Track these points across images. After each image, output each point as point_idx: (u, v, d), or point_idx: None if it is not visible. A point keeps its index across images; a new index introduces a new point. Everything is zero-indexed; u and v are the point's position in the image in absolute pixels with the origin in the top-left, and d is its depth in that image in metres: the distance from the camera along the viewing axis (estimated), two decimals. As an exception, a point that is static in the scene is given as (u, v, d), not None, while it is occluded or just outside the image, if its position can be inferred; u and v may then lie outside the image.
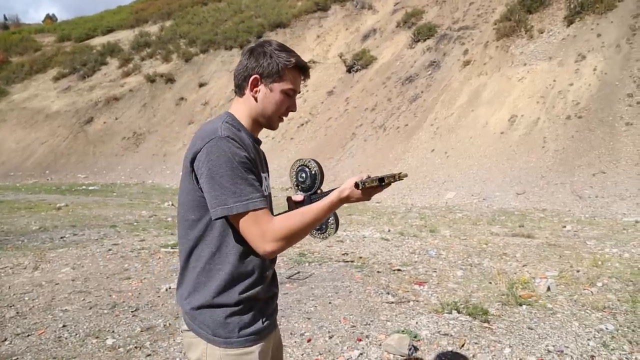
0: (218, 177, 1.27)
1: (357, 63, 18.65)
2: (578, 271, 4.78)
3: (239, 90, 1.45)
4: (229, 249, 1.37)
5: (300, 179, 1.54)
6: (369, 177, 1.34)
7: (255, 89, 1.42)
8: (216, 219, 1.30)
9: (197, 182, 1.32)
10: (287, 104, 1.45)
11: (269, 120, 1.46)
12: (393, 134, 14.57)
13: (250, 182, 1.29)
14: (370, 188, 1.34)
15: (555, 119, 11.55)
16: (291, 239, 1.31)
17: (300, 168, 1.55)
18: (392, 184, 1.36)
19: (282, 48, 1.42)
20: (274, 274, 1.53)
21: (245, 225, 1.29)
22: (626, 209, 8.61)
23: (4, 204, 11.79)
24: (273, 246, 1.29)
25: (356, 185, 1.33)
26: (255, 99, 1.42)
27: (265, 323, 1.42)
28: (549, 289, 4.18)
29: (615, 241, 6.23)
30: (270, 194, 1.51)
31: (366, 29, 20.80)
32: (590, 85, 11.70)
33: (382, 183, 1.33)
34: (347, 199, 1.35)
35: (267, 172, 1.54)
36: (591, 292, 4.09)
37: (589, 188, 9.60)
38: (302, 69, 1.44)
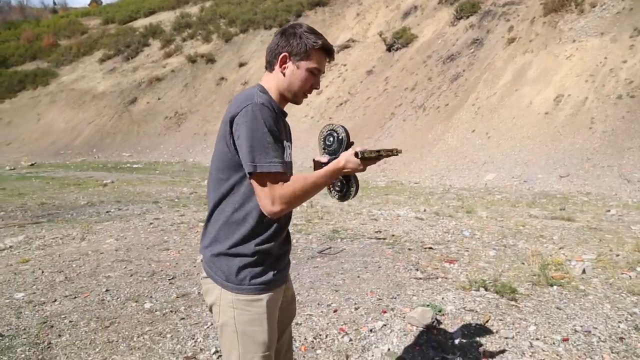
0: (251, 138, 1.41)
1: (397, 42, 18.29)
2: (617, 255, 4.62)
3: (270, 66, 1.60)
4: (251, 208, 1.51)
5: (327, 143, 1.65)
6: (367, 149, 1.48)
7: (284, 66, 1.56)
8: (251, 175, 1.43)
9: (233, 143, 1.46)
10: (312, 81, 1.59)
11: (295, 95, 1.60)
12: (433, 114, 14.30)
13: (275, 148, 1.44)
14: (367, 159, 1.48)
15: (605, 98, 10.99)
16: (293, 202, 1.46)
17: (328, 132, 1.65)
18: (389, 157, 1.51)
19: (311, 31, 1.56)
20: (288, 233, 1.67)
21: (261, 185, 1.44)
22: (677, 193, 8.18)
23: (55, 181, 12.47)
24: (278, 208, 1.44)
25: (356, 154, 1.47)
26: (284, 74, 1.56)
27: (276, 276, 1.56)
28: (584, 271, 4.08)
29: (662, 226, 5.96)
30: (291, 161, 1.63)
31: (407, 6, 20.30)
32: (645, 62, 11.03)
33: (379, 155, 1.48)
34: (343, 168, 1.50)
35: (290, 141, 1.65)
36: (629, 276, 3.95)
37: (638, 171, 9.16)
38: (327, 51, 1.58)
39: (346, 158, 1.49)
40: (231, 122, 1.46)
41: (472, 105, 13.43)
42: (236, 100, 1.50)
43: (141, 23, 30.89)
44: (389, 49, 18.43)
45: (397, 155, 1.50)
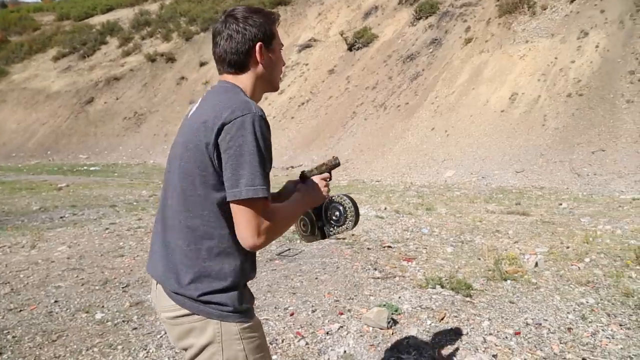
0: (246, 156, 1.21)
1: (359, 41, 18.43)
2: (568, 247, 4.80)
3: (239, 65, 1.38)
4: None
5: (334, 218, 1.53)
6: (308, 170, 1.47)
7: (262, 57, 1.38)
8: (236, 200, 1.23)
9: (218, 155, 1.24)
10: (282, 58, 1.47)
11: (276, 82, 1.47)
12: (394, 113, 14.49)
13: (266, 169, 1.26)
14: (310, 176, 1.46)
15: (556, 96, 11.44)
16: (276, 234, 1.32)
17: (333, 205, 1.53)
18: (334, 169, 1.50)
19: (254, 10, 1.40)
20: None
21: (243, 213, 1.24)
22: (624, 186, 8.59)
23: (5, 185, 11.89)
24: (261, 240, 1.26)
25: (300, 175, 1.46)
26: (263, 66, 1.39)
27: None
28: (536, 264, 4.21)
29: (609, 218, 6.24)
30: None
31: (368, 6, 20.48)
32: (592, 62, 11.55)
33: (321, 170, 1.47)
34: (303, 197, 1.44)
35: None
36: (578, 267, 4.12)
37: (587, 166, 9.57)
38: (277, 20, 1.45)
39: (306, 188, 1.45)
40: (219, 130, 1.22)
41: (431, 103, 13.69)
42: (222, 104, 1.27)
43: (98, 20, 29.86)
44: (350, 49, 18.55)
45: (338, 165, 1.49)
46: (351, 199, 1.49)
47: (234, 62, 1.37)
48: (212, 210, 1.29)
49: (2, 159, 20.26)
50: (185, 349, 1.36)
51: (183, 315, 1.32)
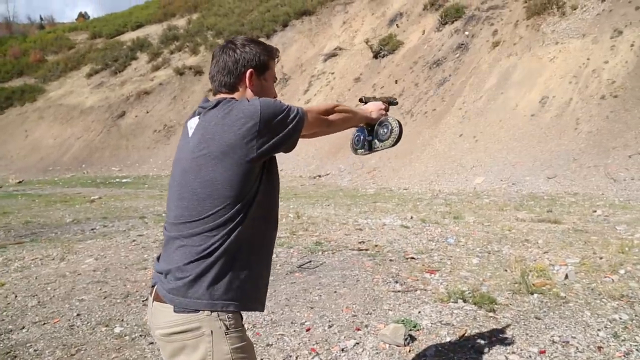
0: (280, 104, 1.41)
1: (384, 48, 18.33)
2: (601, 258, 4.57)
3: (230, 87, 1.49)
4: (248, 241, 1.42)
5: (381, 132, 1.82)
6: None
7: (251, 83, 1.48)
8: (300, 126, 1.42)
9: (258, 135, 1.33)
10: (274, 90, 1.57)
11: None
12: (421, 119, 14.31)
13: None
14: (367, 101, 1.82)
15: (589, 99, 11.04)
16: (340, 116, 1.62)
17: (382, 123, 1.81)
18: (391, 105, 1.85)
19: (253, 40, 1.53)
20: None
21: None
22: (664, 191, 8.18)
23: (41, 198, 12.32)
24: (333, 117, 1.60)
25: (360, 99, 1.81)
26: (252, 91, 1.49)
27: None
28: (566, 276, 4.02)
29: (648, 226, 5.93)
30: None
31: (392, 13, 20.39)
32: (627, 62, 11.10)
33: (379, 100, 1.82)
34: (363, 109, 1.78)
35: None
36: (612, 279, 3.91)
37: (624, 170, 9.17)
38: (276, 56, 1.58)
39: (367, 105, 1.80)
40: (260, 124, 1.34)
41: (459, 109, 13.45)
42: (236, 109, 1.37)
43: (128, 37, 30.85)
44: (375, 56, 18.47)
45: (395, 103, 1.88)
46: (399, 123, 1.76)
47: (225, 83, 1.49)
48: (240, 210, 1.41)
49: (40, 173, 21.05)
50: None
51: (176, 333, 1.35)
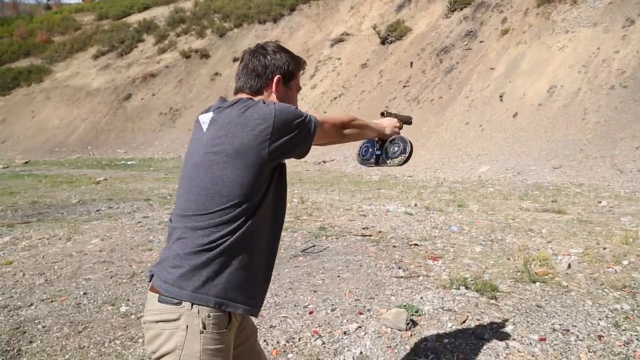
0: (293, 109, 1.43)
1: (392, 34, 18.17)
2: (605, 248, 4.58)
3: (256, 90, 1.52)
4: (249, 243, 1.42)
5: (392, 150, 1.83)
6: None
7: (278, 89, 1.52)
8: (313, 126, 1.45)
9: (270, 138, 1.35)
10: (297, 99, 1.61)
11: None
12: (427, 107, 14.23)
13: None
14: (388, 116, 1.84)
15: (598, 89, 10.93)
16: (352, 127, 1.63)
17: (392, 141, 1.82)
18: (404, 124, 1.87)
19: (283, 49, 1.57)
20: None
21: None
22: (670, 184, 8.14)
23: (48, 179, 12.41)
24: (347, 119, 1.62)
25: (381, 113, 1.84)
26: (277, 97, 1.52)
27: None
28: (569, 266, 4.04)
29: (653, 218, 5.92)
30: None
31: (401, -1, 20.17)
32: (639, 52, 10.95)
33: (395, 117, 1.85)
34: (377, 123, 1.79)
35: None
36: (615, 270, 3.91)
37: (631, 162, 9.12)
38: (303, 67, 1.63)
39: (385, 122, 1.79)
40: (265, 119, 1.35)
41: (465, 97, 13.36)
42: (255, 117, 1.37)
43: (135, 18, 30.69)
44: (383, 42, 18.32)
45: (409, 123, 1.89)
46: (410, 144, 1.75)
47: (250, 85, 1.52)
48: (249, 211, 1.43)
49: (46, 154, 21.17)
50: (154, 352, 1.39)
51: (157, 321, 1.36)
